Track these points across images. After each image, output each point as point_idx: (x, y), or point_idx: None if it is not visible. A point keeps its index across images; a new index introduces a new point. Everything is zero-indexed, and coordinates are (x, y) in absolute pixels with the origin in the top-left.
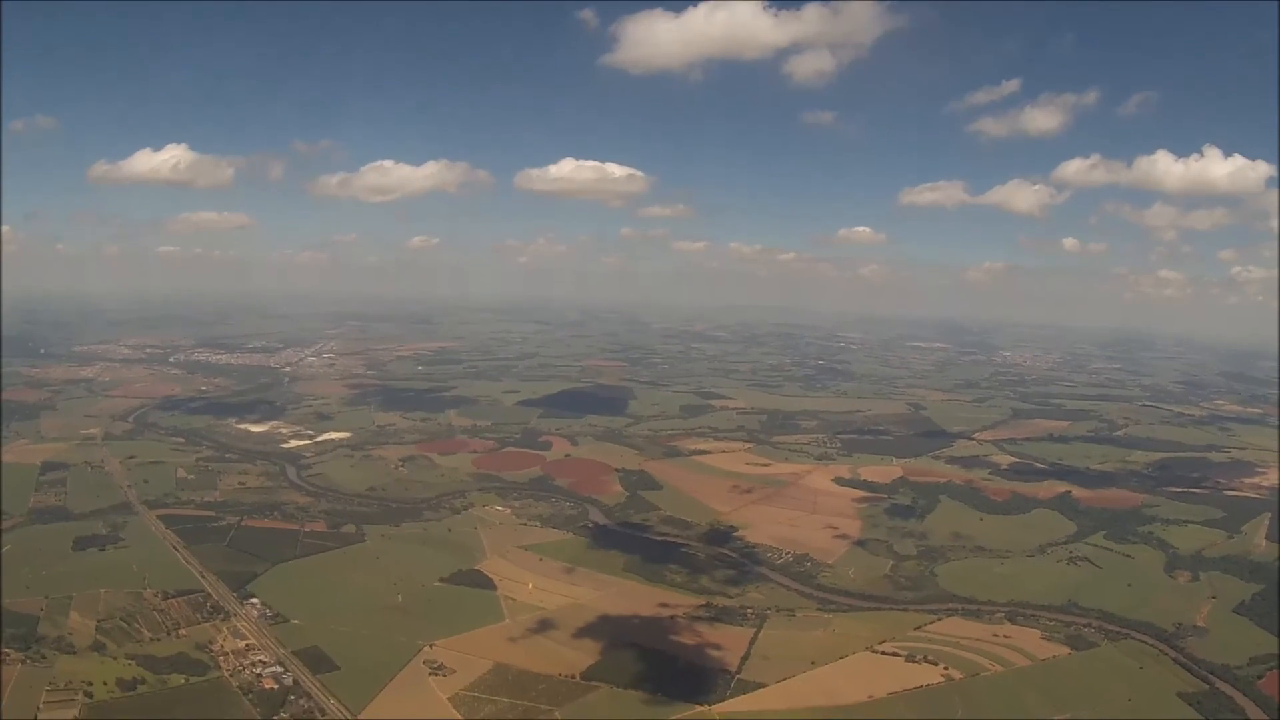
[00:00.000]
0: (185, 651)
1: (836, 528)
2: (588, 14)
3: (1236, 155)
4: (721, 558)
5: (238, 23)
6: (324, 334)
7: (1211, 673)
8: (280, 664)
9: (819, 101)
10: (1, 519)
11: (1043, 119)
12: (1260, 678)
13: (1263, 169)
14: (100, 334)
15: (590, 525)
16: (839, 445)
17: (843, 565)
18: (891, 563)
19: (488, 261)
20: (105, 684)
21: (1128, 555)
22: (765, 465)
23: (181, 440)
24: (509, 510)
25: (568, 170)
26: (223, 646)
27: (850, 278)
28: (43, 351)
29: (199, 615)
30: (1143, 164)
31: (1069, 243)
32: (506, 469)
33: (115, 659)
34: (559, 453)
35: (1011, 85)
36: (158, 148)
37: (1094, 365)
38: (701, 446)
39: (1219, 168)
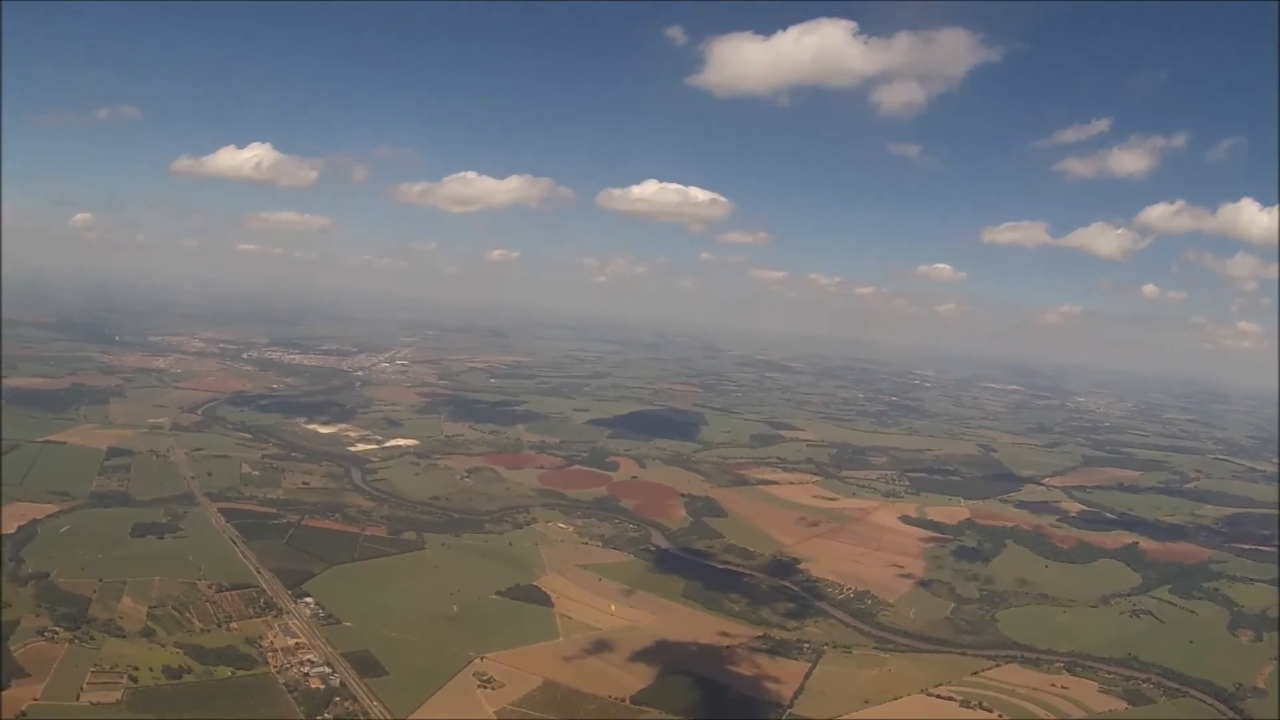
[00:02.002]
0: (234, 644)
1: (900, 566)
2: (676, 32)
3: None
4: (782, 590)
5: (330, 24)
6: (398, 340)
7: None
8: (329, 664)
9: (905, 133)
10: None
11: (1130, 161)
12: None
13: None
14: (175, 326)
15: (652, 549)
16: (907, 483)
17: (903, 605)
18: (953, 605)
19: (565, 278)
20: (151, 670)
21: (1191, 611)
22: (832, 500)
23: (248, 436)
24: (571, 528)
25: (650, 191)
26: (272, 643)
27: (926, 314)
28: (117, 339)
29: (251, 610)
30: (1227, 211)
31: (1148, 289)
32: (572, 487)
33: (164, 646)
34: (626, 474)
35: (1100, 125)
36: (242, 145)
37: (1168, 415)
38: (769, 476)
39: None
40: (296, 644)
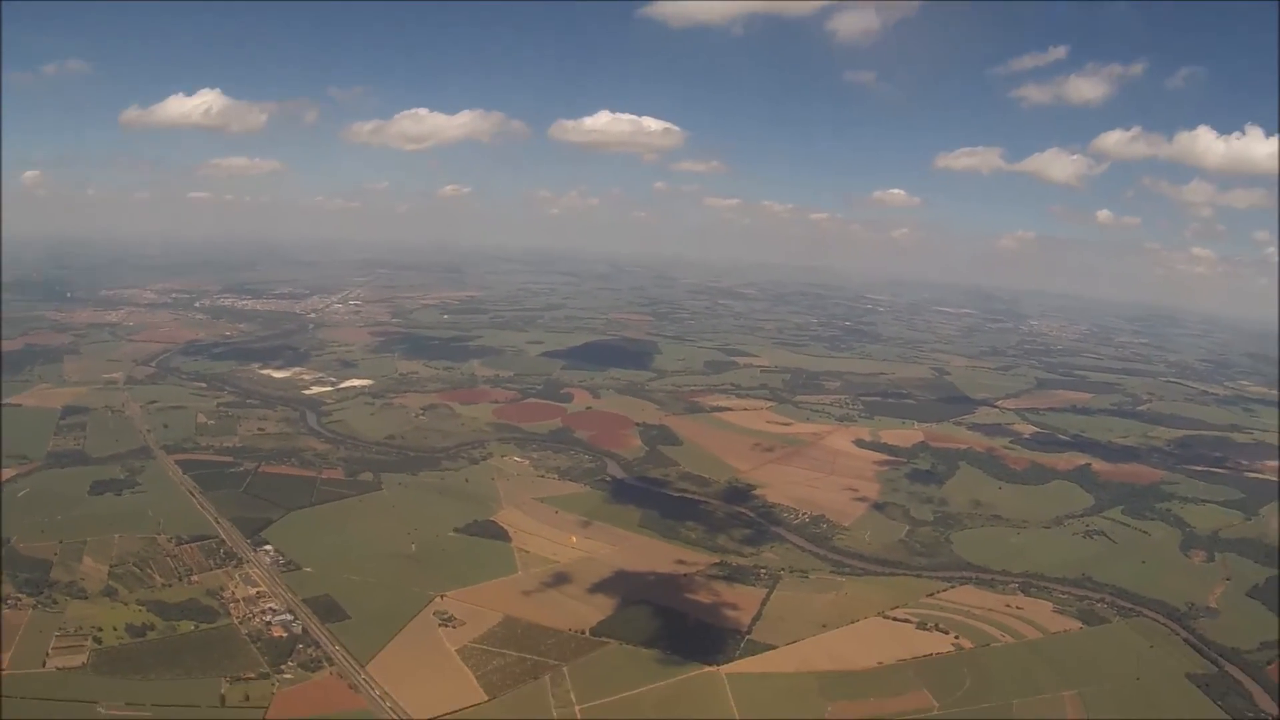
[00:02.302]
0: (196, 598)
1: (855, 490)
2: None
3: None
4: (738, 516)
5: None
6: (351, 281)
7: (1221, 655)
8: (290, 612)
9: (861, 61)
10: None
11: (1087, 88)
12: (1270, 663)
13: None
14: (127, 279)
15: (608, 479)
16: (861, 407)
17: (859, 528)
18: (908, 528)
19: (519, 212)
20: (115, 629)
21: (1144, 532)
22: (786, 425)
23: (203, 385)
24: (527, 462)
25: (603, 122)
26: (234, 593)
27: (882, 240)
28: (69, 295)
29: (212, 562)
30: (1184, 139)
31: (1103, 215)
32: (526, 420)
33: (126, 604)
34: (580, 405)
35: (1058, 52)
36: (190, 92)
37: (1121, 339)
38: (723, 403)
39: (1261, 147)
40: (258, 593)
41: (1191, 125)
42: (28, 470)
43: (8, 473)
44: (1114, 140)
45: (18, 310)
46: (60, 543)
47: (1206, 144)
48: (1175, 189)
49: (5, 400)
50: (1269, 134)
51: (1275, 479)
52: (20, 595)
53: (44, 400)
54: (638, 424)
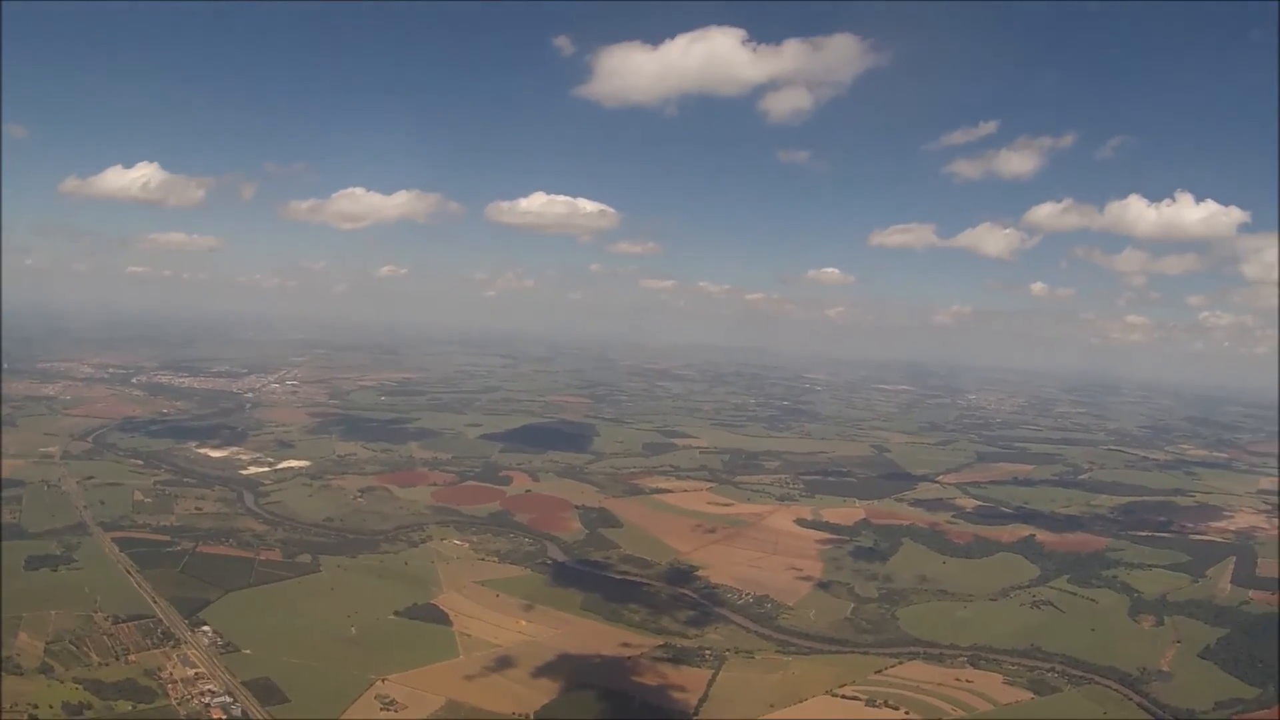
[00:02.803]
0: (134, 678)
1: (798, 569)
2: (563, 42)
3: (1209, 200)
4: (682, 598)
5: (214, 40)
6: (289, 360)
7: (1177, 717)
8: (229, 694)
9: (794, 140)
10: None
11: (1018, 162)
12: None
13: (1235, 214)
14: (65, 351)
15: (549, 562)
16: (802, 486)
17: (803, 607)
18: (853, 605)
19: (455, 292)
20: (51, 707)
21: (1092, 599)
22: (727, 505)
23: (140, 462)
24: (467, 544)
25: (539, 204)
26: (172, 674)
27: (818, 318)
28: (5, 366)
29: (149, 641)
30: (1115, 209)
31: (1037, 287)
32: (466, 503)
33: (63, 682)
34: (519, 488)
35: (989, 127)
36: (129, 164)
37: (1059, 409)
38: (663, 485)
39: (1191, 213)
40: (196, 674)
41: (1122, 194)
42: None
43: None
44: (1046, 213)
45: None
46: None
47: (1138, 212)
48: (1108, 258)
49: None
50: (1199, 199)
51: (1220, 540)
52: None
53: None
54: (577, 506)
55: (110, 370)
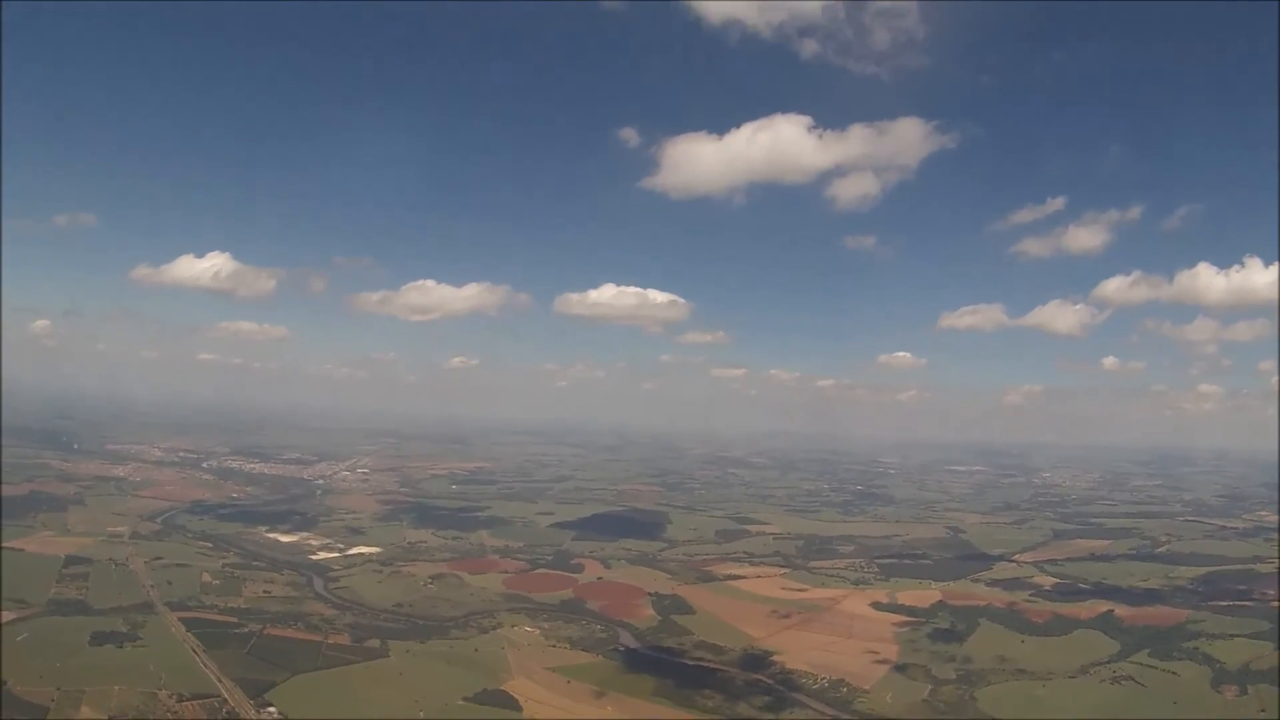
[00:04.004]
0: None
1: (874, 652)
2: (630, 134)
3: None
4: (756, 683)
5: (287, 132)
6: (359, 449)
7: None
8: None
9: (861, 225)
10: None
11: (1086, 237)
12: None
13: None
14: (134, 435)
15: (621, 648)
16: (876, 570)
17: (879, 690)
18: (930, 687)
19: (526, 384)
20: None
21: (1173, 673)
22: (801, 590)
23: (209, 545)
24: (537, 631)
25: (608, 295)
26: None
27: (888, 403)
28: (76, 447)
29: None
30: (1184, 278)
31: (1108, 361)
32: (537, 590)
33: None
34: (591, 575)
35: (1056, 204)
36: (200, 254)
37: (1134, 483)
38: (736, 571)
39: (1261, 277)
40: None
41: (1191, 263)
42: (27, 615)
43: (7, 615)
44: (1115, 286)
45: (21, 457)
46: (59, 689)
47: (1207, 280)
48: (1178, 329)
49: (7, 544)
50: (1268, 264)
51: None
52: None
53: (47, 548)
54: (650, 593)
55: (180, 454)
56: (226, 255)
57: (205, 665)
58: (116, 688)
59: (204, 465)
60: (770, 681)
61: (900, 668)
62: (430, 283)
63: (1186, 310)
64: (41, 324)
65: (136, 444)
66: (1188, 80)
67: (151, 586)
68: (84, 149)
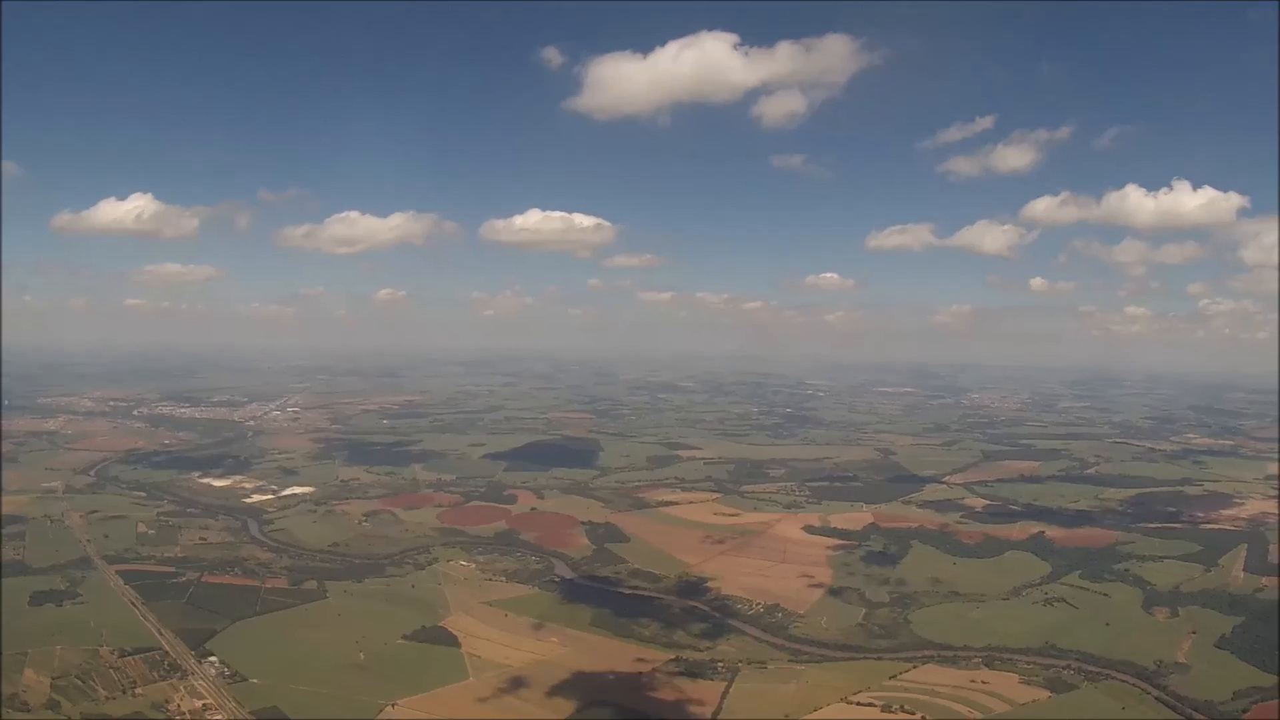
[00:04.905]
0: (141, 710)
1: (808, 576)
2: (551, 53)
3: (1208, 187)
4: (693, 610)
5: (203, 68)
6: (290, 388)
7: (1195, 709)
8: None
9: (789, 144)
10: None
11: (1014, 157)
12: (1245, 711)
13: (1234, 200)
14: (65, 387)
15: (557, 579)
16: (808, 493)
17: (815, 615)
18: (864, 611)
19: (454, 314)
20: None
21: (1104, 594)
22: (734, 515)
23: (143, 495)
24: (474, 565)
25: (534, 221)
26: (179, 706)
27: (817, 324)
28: (6, 403)
29: (156, 674)
30: (1113, 199)
31: (1037, 282)
32: (471, 523)
33: (70, 718)
34: (525, 506)
35: (985, 122)
36: (122, 197)
37: (1063, 404)
38: (669, 498)
39: (1190, 200)
40: (204, 705)
41: (1120, 184)
42: None
43: None
44: (1043, 207)
45: None
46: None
47: (1136, 202)
48: (1107, 250)
49: None
50: (1196, 186)
51: (1231, 528)
52: None
53: None
54: (584, 523)
55: (111, 404)
56: (149, 196)
57: (145, 618)
58: (58, 648)
59: (135, 414)
60: (706, 608)
61: (834, 591)
62: (355, 214)
63: (1115, 231)
64: None
65: (67, 396)
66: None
67: (88, 541)
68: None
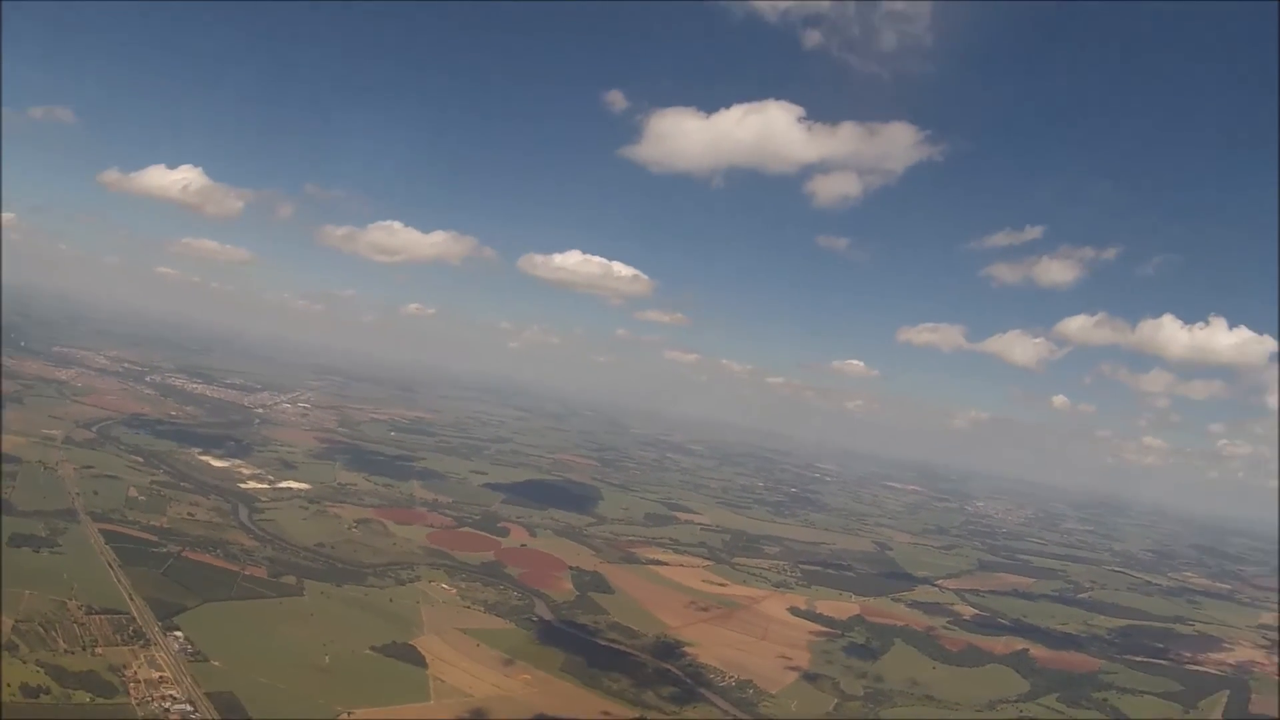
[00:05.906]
0: (97, 670)
1: (786, 658)
2: (616, 97)
3: (1243, 327)
4: (666, 673)
5: (275, 55)
6: (304, 383)
7: None
8: (191, 703)
9: (836, 225)
10: None
11: (1058, 271)
12: None
13: (1268, 344)
14: (83, 341)
15: (535, 619)
16: (800, 575)
17: (786, 696)
18: (836, 700)
19: (479, 338)
20: (9, 686)
21: None
22: (722, 585)
23: (140, 460)
24: (455, 590)
25: (573, 261)
26: (136, 673)
27: (835, 409)
28: (22, 344)
29: (119, 637)
30: (1148, 327)
31: (1059, 400)
32: (460, 548)
33: (25, 663)
34: (515, 541)
35: (1034, 232)
36: (173, 165)
37: (1066, 524)
38: (661, 557)
39: (1224, 338)
40: (161, 678)
41: (1157, 313)
42: None
43: None
44: (1078, 325)
45: None
46: None
47: (1170, 333)
48: (1134, 377)
49: None
50: (1232, 325)
51: (1216, 672)
52: None
53: None
54: (571, 567)
55: (125, 365)
56: (199, 170)
57: (119, 580)
58: (27, 592)
59: (147, 379)
60: (679, 673)
61: (810, 676)
62: (398, 224)
63: (1146, 360)
64: (8, 217)
65: (83, 349)
66: (1188, 130)
67: (77, 495)
68: (69, 41)
